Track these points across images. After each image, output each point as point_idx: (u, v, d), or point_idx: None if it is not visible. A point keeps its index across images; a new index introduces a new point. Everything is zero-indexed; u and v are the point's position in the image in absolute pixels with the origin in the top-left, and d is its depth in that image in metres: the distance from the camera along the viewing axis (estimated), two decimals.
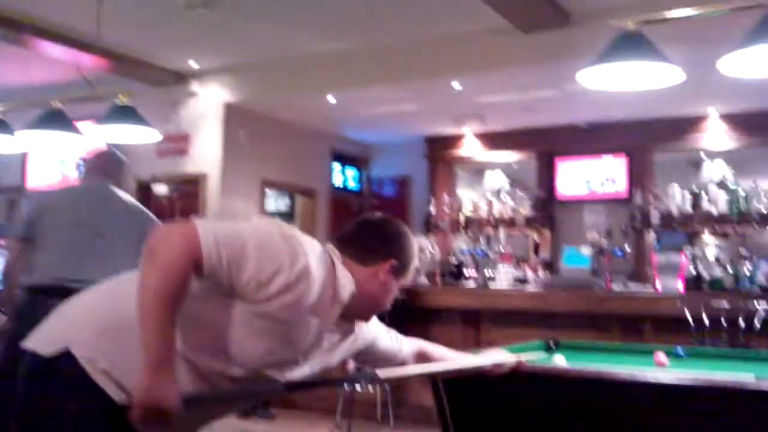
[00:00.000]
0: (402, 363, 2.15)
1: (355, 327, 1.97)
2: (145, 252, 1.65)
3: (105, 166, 3.95)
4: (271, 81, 7.88)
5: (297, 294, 1.71)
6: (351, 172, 10.20)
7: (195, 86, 8.23)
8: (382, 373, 2.02)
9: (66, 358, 1.69)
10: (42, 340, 1.76)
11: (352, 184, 10.25)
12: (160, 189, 8.77)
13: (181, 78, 8.22)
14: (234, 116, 8.14)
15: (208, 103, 8.17)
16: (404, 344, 2.18)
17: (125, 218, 3.67)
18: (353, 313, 1.91)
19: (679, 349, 2.96)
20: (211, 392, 1.74)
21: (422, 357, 2.19)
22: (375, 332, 2.09)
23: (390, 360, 2.13)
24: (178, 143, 8.32)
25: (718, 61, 3.25)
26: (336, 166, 9.80)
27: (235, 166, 8.15)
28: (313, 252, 1.79)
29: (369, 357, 2.09)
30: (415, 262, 1.99)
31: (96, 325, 1.74)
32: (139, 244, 1.77)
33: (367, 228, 1.96)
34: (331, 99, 7.84)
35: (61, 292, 3.10)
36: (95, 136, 5.93)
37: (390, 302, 1.95)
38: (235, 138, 8.16)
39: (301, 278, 1.71)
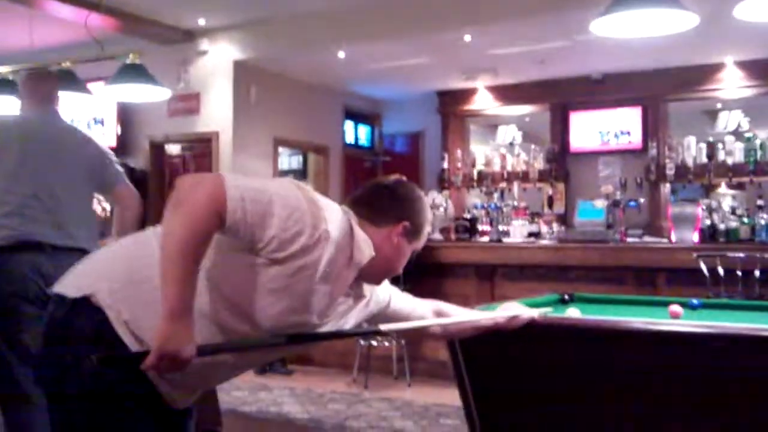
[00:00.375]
0: (419, 330, 2.17)
1: (366, 291, 1.98)
2: (172, 199, 1.66)
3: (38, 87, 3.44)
4: (280, 37, 7.81)
5: (315, 256, 1.72)
6: (363, 129, 10.15)
7: (204, 44, 8.17)
8: (385, 326, 2.04)
9: (89, 303, 1.73)
10: (68, 285, 1.80)
11: (364, 141, 10.21)
12: (173, 148, 8.79)
13: (190, 36, 8.16)
14: (244, 74, 8.09)
15: (217, 61, 8.12)
16: (419, 305, 2.18)
17: (72, 161, 3.28)
18: (365, 276, 1.91)
19: (694, 301, 2.96)
20: (225, 343, 1.76)
21: (438, 316, 2.20)
22: (388, 295, 2.10)
23: (405, 320, 2.14)
24: (188, 102, 8.30)
25: (736, 7, 3.18)
26: (348, 123, 9.75)
27: (247, 125, 8.14)
28: (334, 215, 1.80)
29: (383, 320, 2.09)
30: (428, 226, 2.00)
31: (118, 277, 1.78)
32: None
33: (380, 190, 1.96)
34: (341, 54, 7.77)
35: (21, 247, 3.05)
36: (106, 96, 5.93)
37: (402, 266, 1.96)
38: (245, 96, 8.12)
39: (321, 241, 1.73)
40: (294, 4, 7.17)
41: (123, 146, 8.77)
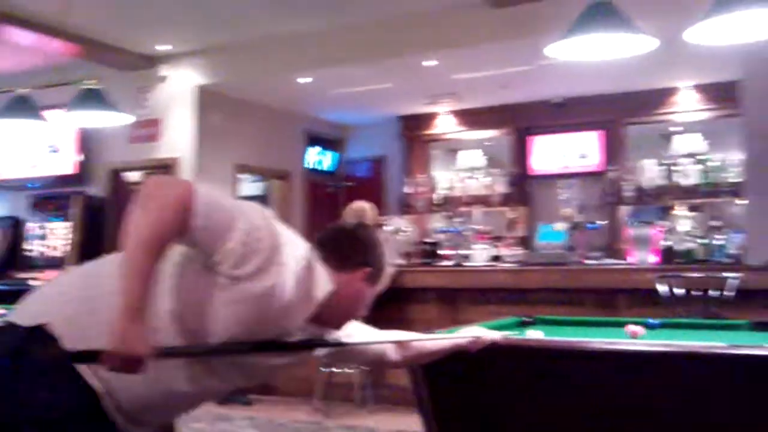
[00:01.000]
0: (379, 357, 2.17)
1: (325, 334, 1.97)
2: (140, 197, 1.66)
3: None
4: (241, 63, 7.80)
5: (269, 281, 1.71)
6: (325, 154, 10.15)
7: (165, 70, 8.12)
8: (349, 341, 2.03)
9: (43, 332, 1.70)
10: (21, 313, 1.79)
11: (326, 166, 10.20)
12: (133, 175, 8.67)
13: (151, 61, 8.10)
14: (206, 100, 8.04)
15: (178, 87, 8.07)
16: (380, 337, 2.19)
17: None
18: (325, 320, 1.91)
19: (652, 320, 2.99)
20: (182, 346, 1.73)
21: (400, 346, 2.20)
22: (351, 335, 2.08)
23: (367, 355, 2.17)
24: (149, 128, 8.21)
25: (685, 31, 3.26)
26: (311, 148, 9.74)
27: (208, 151, 8.07)
28: (296, 249, 1.80)
29: (344, 357, 2.09)
30: (388, 273, 2.01)
31: (74, 305, 1.75)
32: None
33: (342, 235, 1.98)
34: (303, 80, 7.78)
35: None
36: (65, 122, 5.83)
37: (363, 310, 1.97)
38: (207, 122, 8.07)
39: (277, 267, 1.71)
40: (255, 30, 7.17)
41: (82, 174, 8.63)
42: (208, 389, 1.85)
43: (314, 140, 9.76)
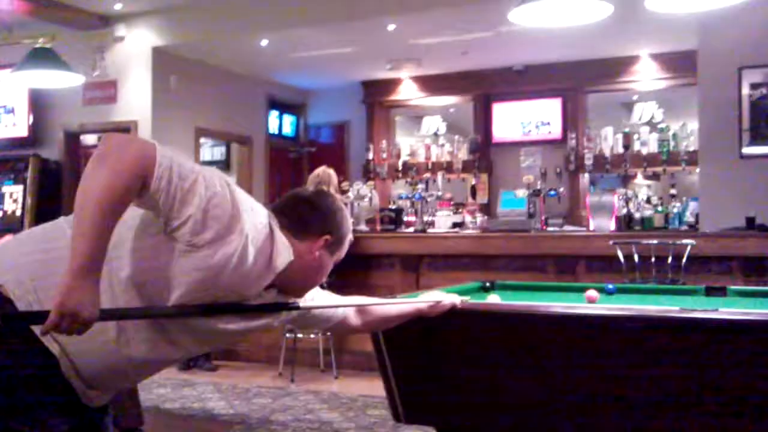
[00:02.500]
0: (340, 323, 2.15)
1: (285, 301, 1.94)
2: (97, 154, 1.57)
3: None
4: (201, 24, 7.63)
5: (228, 249, 1.67)
6: (288, 119, 10.04)
7: (121, 30, 7.91)
8: (306, 303, 2.00)
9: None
10: None
11: (288, 132, 10.10)
12: (89, 138, 8.49)
13: (107, 21, 7.89)
14: (163, 61, 7.87)
15: (135, 48, 7.88)
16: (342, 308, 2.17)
17: None
18: (286, 288, 1.89)
19: (609, 286, 3.04)
20: (131, 308, 1.68)
21: (361, 312, 2.19)
22: (311, 297, 2.05)
23: (327, 321, 2.13)
24: (105, 90, 8.02)
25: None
26: (272, 113, 9.63)
27: (167, 114, 7.92)
28: (256, 215, 1.76)
29: (304, 321, 2.07)
30: (349, 240, 1.97)
31: (28, 267, 1.70)
32: None
33: (301, 203, 1.92)
34: (264, 42, 7.65)
35: None
36: (14, 82, 5.66)
37: (324, 277, 1.95)
38: (165, 84, 7.90)
39: (237, 235, 1.68)
40: None
41: (35, 136, 8.42)
42: (165, 355, 1.82)
43: (276, 105, 9.64)
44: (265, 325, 1.94)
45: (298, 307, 1.96)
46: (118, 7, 7.62)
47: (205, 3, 7.34)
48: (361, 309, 2.19)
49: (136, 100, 7.90)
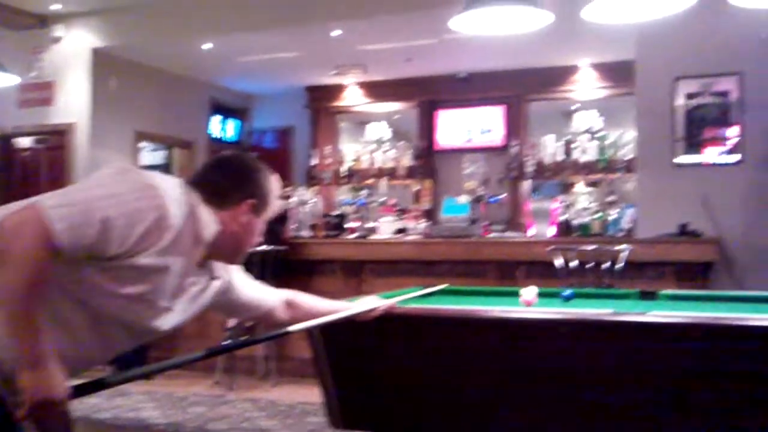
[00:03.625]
0: (267, 313, 2.13)
1: (221, 272, 1.94)
2: (14, 254, 1.55)
3: None
4: (142, 25, 7.49)
5: (159, 240, 1.67)
6: (231, 124, 9.93)
7: (59, 30, 7.72)
8: (294, 327, 2.05)
9: None
10: None
11: (231, 136, 9.99)
12: (24, 141, 8.24)
13: (44, 21, 7.68)
14: (103, 63, 7.71)
15: (74, 49, 7.69)
16: (271, 294, 2.15)
17: None
18: (217, 255, 1.87)
19: (566, 292, 2.98)
20: (100, 378, 1.69)
21: (291, 306, 2.16)
22: (238, 282, 2.04)
23: (255, 309, 2.11)
24: (41, 91, 7.81)
25: (583, 9, 3.33)
26: (215, 117, 9.50)
27: (106, 117, 7.75)
28: (172, 195, 1.72)
29: (231, 306, 2.04)
30: (275, 195, 1.94)
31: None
32: None
33: (218, 170, 1.88)
34: (206, 45, 7.55)
35: None
36: None
37: (255, 240, 1.92)
38: (104, 86, 7.73)
39: (162, 226, 1.67)
40: None
41: None
42: (94, 352, 1.79)
43: (218, 109, 9.53)
44: (200, 310, 1.91)
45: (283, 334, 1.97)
46: (56, 7, 7.44)
47: (146, 4, 7.21)
48: (291, 302, 2.17)
49: (74, 102, 7.71)
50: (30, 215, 1.56)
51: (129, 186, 1.67)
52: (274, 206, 1.94)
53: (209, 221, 1.79)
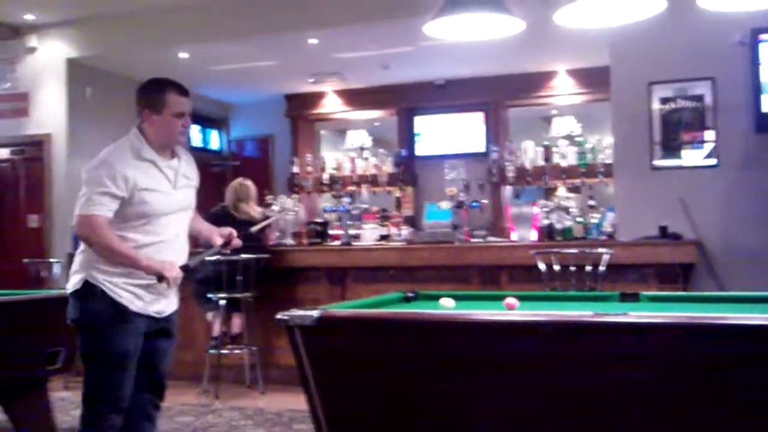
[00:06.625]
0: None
1: (176, 155, 3.00)
2: (83, 241, 2.82)
3: None
4: (117, 35, 7.45)
5: (124, 175, 2.78)
6: (211, 133, 9.88)
7: (33, 41, 7.66)
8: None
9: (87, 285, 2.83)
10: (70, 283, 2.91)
11: (213, 145, 9.95)
12: (1, 152, 8.14)
13: (17, 32, 7.61)
14: (78, 73, 7.66)
15: (48, 59, 7.64)
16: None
17: None
18: (163, 146, 2.93)
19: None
20: (188, 261, 2.96)
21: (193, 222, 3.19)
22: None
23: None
24: (16, 102, 7.73)
25: (555, 13, 3.36)
26: (194, 127, 9.45)
27: (83, 127, 7.68)
28: (115, 155, 2.85)
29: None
30: (169, 93, 2.92)
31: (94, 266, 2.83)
32: None
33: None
34: (183, 55, 7.51)
35: None
36: None
37: (177, 130, 2.95)
38: (80, 97, 7.67)
39: (114, 173, 2.77)
40: (129, 0, 6.85)
41: None
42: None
43: (198, 118, 9.47)
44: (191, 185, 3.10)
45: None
46: (29, 17, 7.37)
47: (121, 14, 7.17)
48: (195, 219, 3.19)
49: (50, 113, 7.64)
50: (79, 220, 2.78)
51: (97, 171, 2.79)
52: (175, 100, 2.93)
53: (132, 135, 2.92)
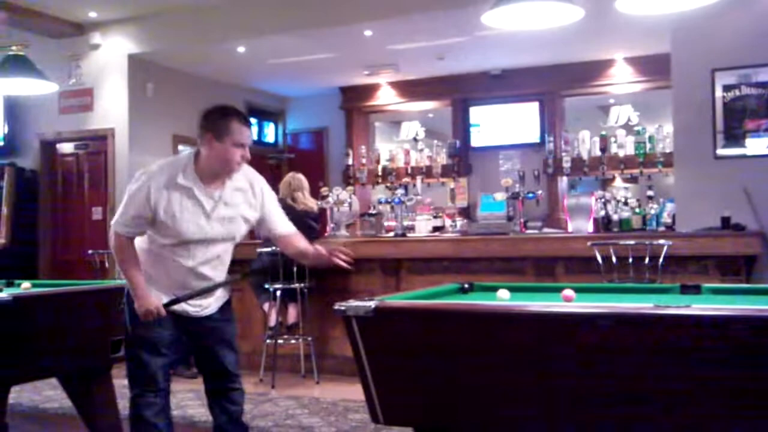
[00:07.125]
0: (280, 239, 3.16)
1: (241, 183, 3.02)
2: (114, 253, 2.99)
3: None
4: (176, 31, 7.60)
5: (158, 200, 2.86)
6: (267, 126, 10.02)
7: (96, 38, 7.87)
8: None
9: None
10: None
11: (269, 138, 10.08)
12: (65, 147, 8.42)
13: (81, 29, 7.85)
14: (140, 69, 7.84)
15: (111, 56, 7.84)
16: (285, 226, 3.16)
17: None
18: (212, 175, 2.92)
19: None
20: (178, 297, 2.95)
21: (289, 244, 3.17)
22: (269, 213, 3.12)
23: (271, 231, 3.14)
24: (81, 98, 7.97)
25: (617, 2, 3.30)
26: (251, 119, 9.58)
27: (144, 122, 7.88)
28: (158, 171, 2.91)
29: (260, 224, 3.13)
30: (234, 123, 2.88)
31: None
32: None
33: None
34: (240, 49, 7.63)
35: None
36: None
37: (234, 159, 2.89)
38: (141, 92, 7.87)
39: (148, 194, 2.86)
40: None
41: (11, 145, 8.34)
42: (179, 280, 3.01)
43: (254, 111, 9.62)
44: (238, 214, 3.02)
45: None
46: (93, 15, 7.58)
47: (180, 10, 7.31)
48: (292, 239, 3.13)
49: (112, 108, 7.85)
50: (111, 232, 2.97)
51: (137, 189, 2.89)
52: (238, 131, 2.89)
53: (184, 156, 2.97)
